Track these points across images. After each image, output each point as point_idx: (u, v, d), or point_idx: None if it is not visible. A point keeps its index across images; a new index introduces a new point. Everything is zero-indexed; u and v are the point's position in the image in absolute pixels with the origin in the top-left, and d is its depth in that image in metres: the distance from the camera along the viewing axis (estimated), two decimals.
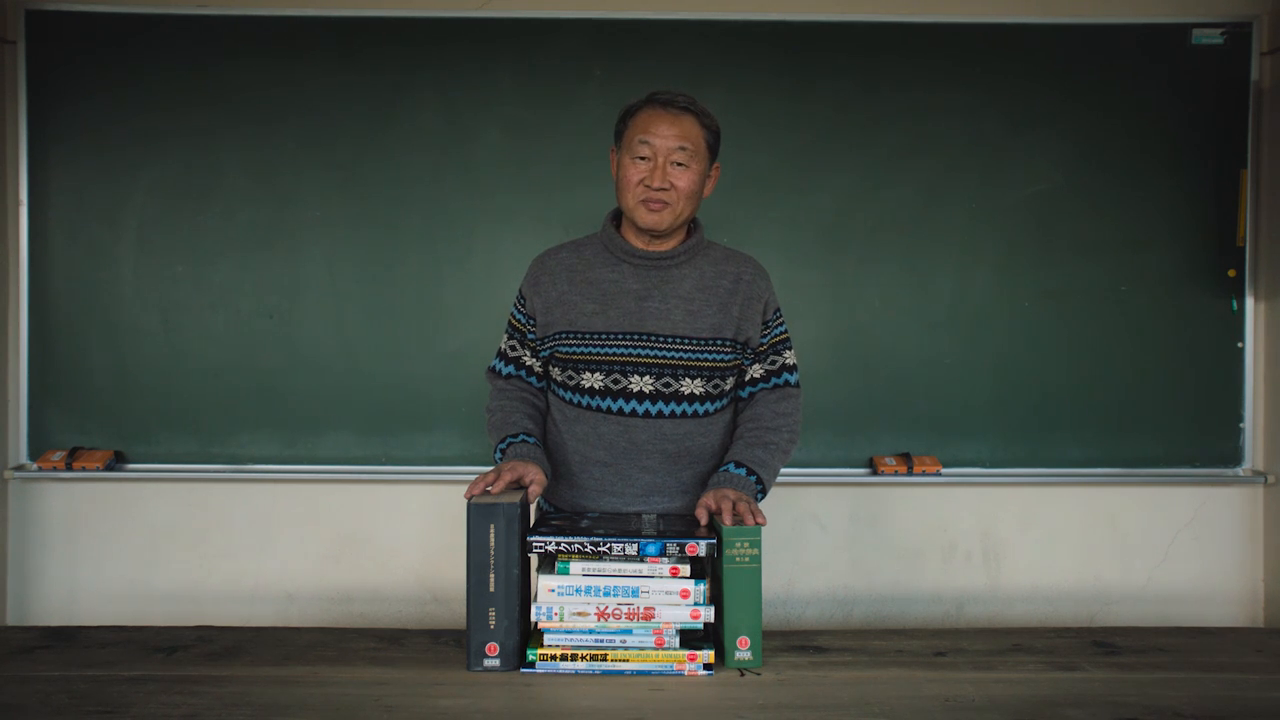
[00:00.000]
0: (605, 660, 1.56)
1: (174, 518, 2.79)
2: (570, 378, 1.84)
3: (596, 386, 1.81)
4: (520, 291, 1.87)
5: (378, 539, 2.81)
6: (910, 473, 2.71)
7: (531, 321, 1.85)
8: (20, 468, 2.73)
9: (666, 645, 1.56)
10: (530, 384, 1.90)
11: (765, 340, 1.85)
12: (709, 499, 1.69)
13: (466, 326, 2.73)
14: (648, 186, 1.73)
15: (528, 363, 1.89)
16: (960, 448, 2.76)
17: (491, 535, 1.58)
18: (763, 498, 1.77)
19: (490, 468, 1.72)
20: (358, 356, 2.73)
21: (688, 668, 1.55)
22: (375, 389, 2.73)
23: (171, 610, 2.78)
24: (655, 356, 1.79)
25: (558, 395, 1.88)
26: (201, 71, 2.69)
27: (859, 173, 2.73)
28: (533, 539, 1.58)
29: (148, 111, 2.69)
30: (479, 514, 1.58)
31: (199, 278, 2.72)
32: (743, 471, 1.77)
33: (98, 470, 2.68)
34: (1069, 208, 2.74)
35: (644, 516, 1.75)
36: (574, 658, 1.56)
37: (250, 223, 2.71)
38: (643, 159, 1.74)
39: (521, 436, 1.81)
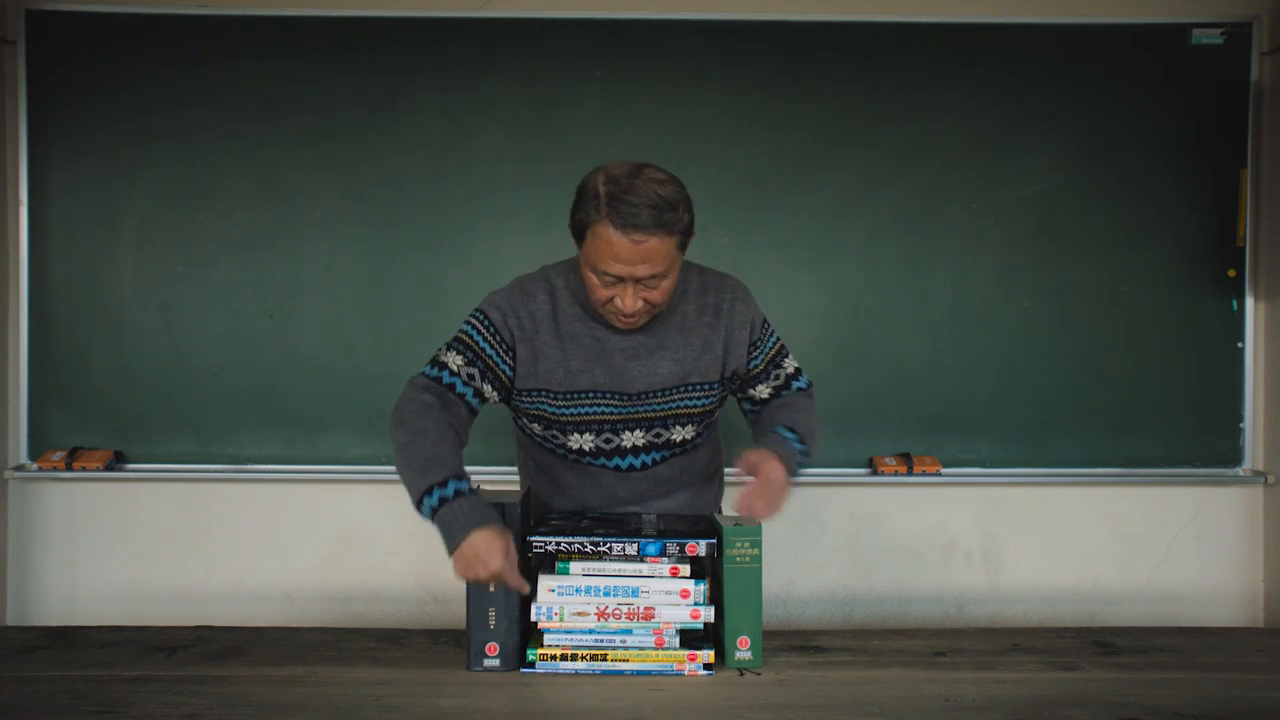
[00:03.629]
0: (605, 660, 1.56)
1: (174, 518, 2.79)
2: (555, 436, 1.75)
3: (587, 448, 1.75)
4: (490, 321, 1.70)
5: (378, 539, 2.81)
6: (910, 473, 2.71)
7: (509, 358, 1.70)
8: (20, 468, 2.73)
9: (666, 645, 1.56)
10: (467, 414, 1.69)
11: (759, 361, 1.77)
12: (753, 457, 1.62)
13: None
14: (618, 309, 1.60)
15: (486, 394, 1.70)
16: (960, 448, 2.76)
17: None
18: (807, 461, 1.70)
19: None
20: (358, 356, 2.73)
21: (688, 668, 1.55)
22: (375, 389, 2.72)
23: (171, 610, 2.78)
24: (646, 412, 1.73)
25: (539, 445, 1.80)
26: (202, 71, 2.69)
27: (859, 173, 2.73)
28: (533, 539, 1.58)
29: (148, 111, 2.69)
30: None
31: (199, 278, 2.72)
32: (793, 437, 1.67)
33: (98, 470, 2.68)
34: (1069, 207, 2.74)
35: (644, 516, 1.75)
36: (574, 658, 1.56)
37: (250, 223, 2.71)
38: (608, 276, 1.57)
39: (466, 486, 1.53)
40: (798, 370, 1.82)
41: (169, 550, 2.80)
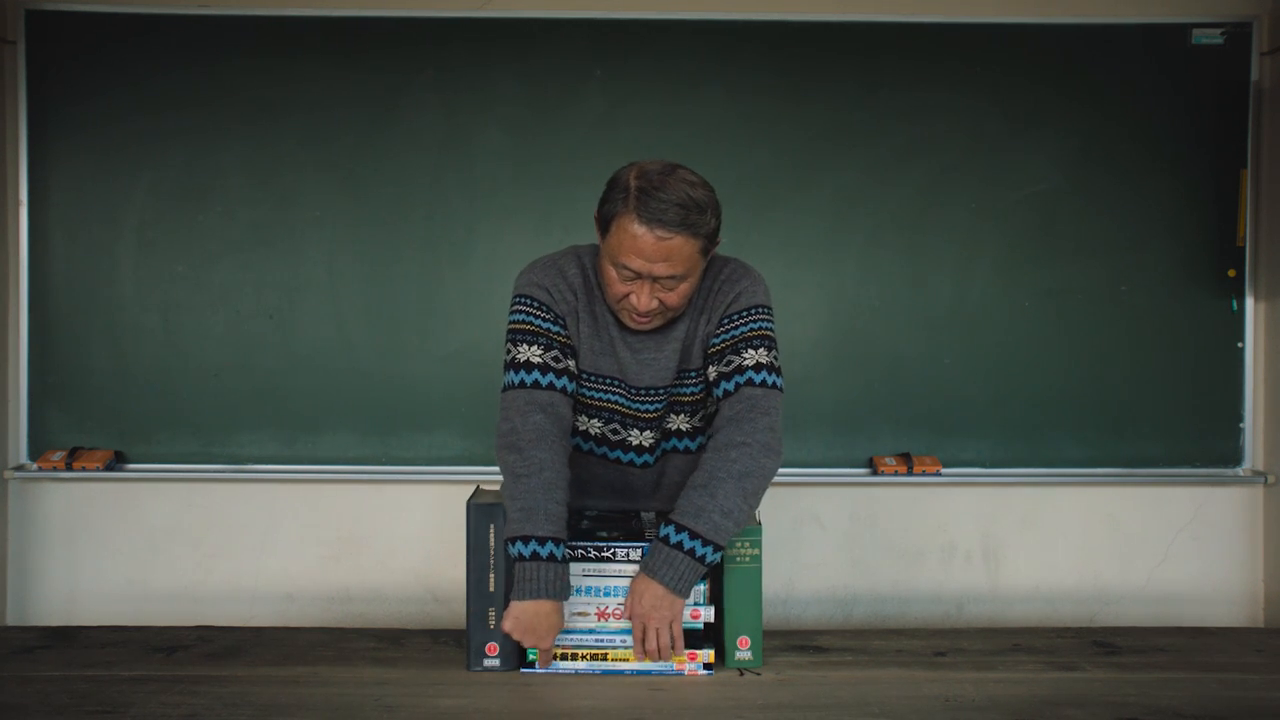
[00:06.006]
0: (605, 660, 1.56)
1: (174, 518, 2.79)
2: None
3: (593, 433, 1.74)
4: (538, 301, 1.64)
5: (378, 539, 2.81)
6: (910, 473, 2.71)
7: (565, 325, 1.65)
8: (20, 468, 2.73)
9: None
10: (569, 411, 1.64)
11: (719, 340, 1.64)
12: (629, 613, 1.55)
13: (466, 326, 2.73)
14: (633, 306, 1.57)
15: (572, 369, 1.65)
16: (960, 448, 2.76)
17: (491, 535, 1.58)
18: (717, 555, 1.52)
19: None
20: (358, 356, 2.73)
21: (688, 668, 1.55)
22: (375, 389, 2.73)
23: (171, 610, 2.78)
24: (653, 411, 1.70)
25: None
26: (201, 71, 2.69)
27: (859, 173, 2.73)
28: None
29: (148, 111, 2.69)
30: (479, 514, 1.58)
31: (199, 278, 2.72)
32: (683, 537, 1.51)
33: (98, 470, 2.68)
34: (1069, 207, 2.74)
35: (644, 516, 1.75)
36: (574, 658, 1.56)
37: (250, 223, 2.71)
38: (627, 271, 1.54)
39: (562, 553, 1.52)
40: (761, 365, 1.60)
41: (169, 550, 2.80)
